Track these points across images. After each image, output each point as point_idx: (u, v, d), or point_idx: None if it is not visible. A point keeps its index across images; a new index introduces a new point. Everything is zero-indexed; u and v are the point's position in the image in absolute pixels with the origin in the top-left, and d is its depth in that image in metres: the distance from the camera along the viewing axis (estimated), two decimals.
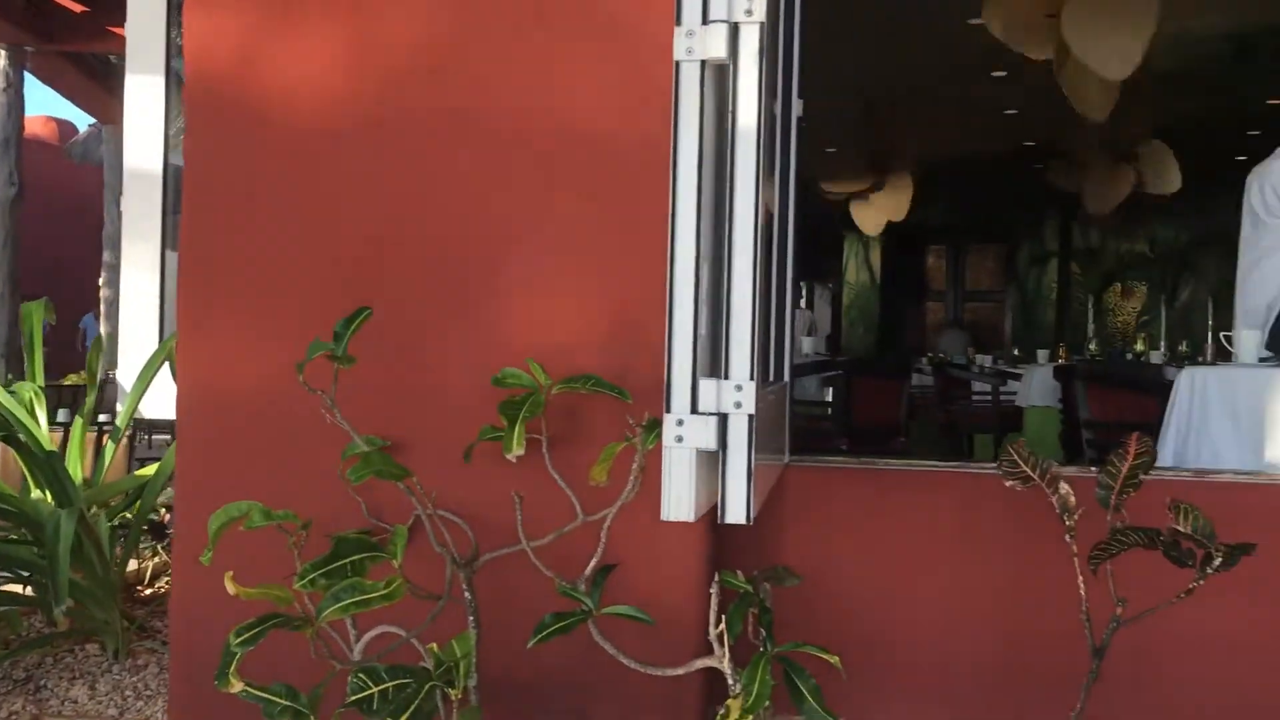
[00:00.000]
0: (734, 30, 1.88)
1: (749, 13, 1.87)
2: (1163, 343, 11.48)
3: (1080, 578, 2.13)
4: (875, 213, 10.60)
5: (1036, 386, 6.33)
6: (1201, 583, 2.04)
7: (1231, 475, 2.90)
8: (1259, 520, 2.74)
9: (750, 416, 1.89)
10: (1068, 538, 2.14)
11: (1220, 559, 2.00)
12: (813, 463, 2.97)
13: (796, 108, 2.91)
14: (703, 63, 1.88)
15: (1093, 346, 9.37)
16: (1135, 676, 2.62)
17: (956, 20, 6.56)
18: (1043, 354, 8.26)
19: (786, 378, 2.89)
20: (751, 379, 1.90)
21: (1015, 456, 2.18)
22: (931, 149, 11.86)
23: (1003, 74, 9.16)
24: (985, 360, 8.95)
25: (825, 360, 5.67)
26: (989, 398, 7.03)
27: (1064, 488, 2.15)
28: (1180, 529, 2.03)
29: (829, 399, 5.26)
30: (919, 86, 11.16)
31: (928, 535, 2.85)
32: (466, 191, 2.54)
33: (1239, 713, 2.70)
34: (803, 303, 11.88)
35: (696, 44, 1.88)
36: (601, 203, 2.49)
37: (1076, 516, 2.13)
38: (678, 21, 1.89)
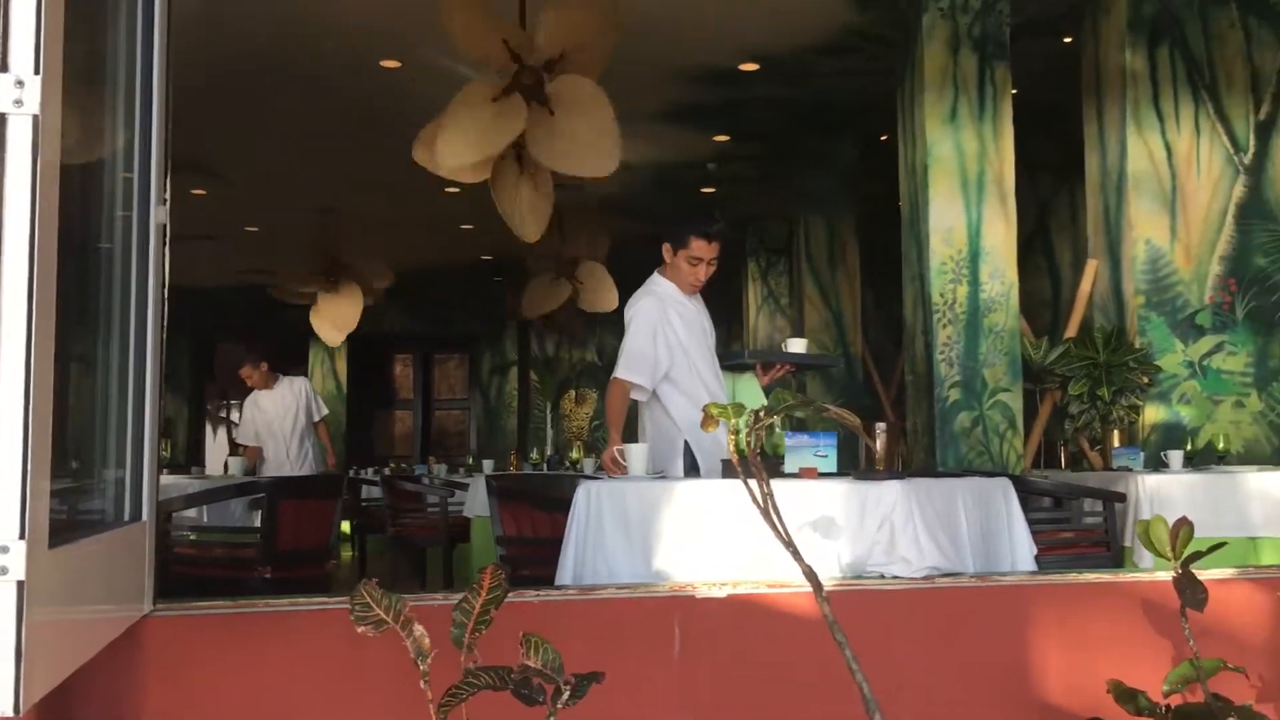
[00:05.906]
0: None
1: (19, 103, 1.58)
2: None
3: None
4: (326, 323, 10.34)
5: (480, 497, 6.35)
6: (554, 719, 1.99)
7: (613, 590, 2.96)
8: (641, 631, 2.82)
9: (20, 583, 1.56)
10: (423, 683, 2.00)
11: (569, 693, 1.96)
12: (181, 611, 2.63)
13: (159, 215, 2.64)
14: None
15: (534, 455, 9.74)
16: None
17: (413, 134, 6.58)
18: (488, 464, 8.41)
19: (145, 516, 2.54)
20: (21, 537, 1.57)
21: (367, 598, 2.01)
22: (393, 259, 11.93)
23: (455, 190, 9.43)
24: (441, 470, 8.94)
25: (248, 482, 5.29)
26: (439, 509, 6.97)
27: (418, 630, 2.01)
28: (530, 664, 1.97)
29: (258, 524, 4.87)
30: (376, 197, 11.23)
31: (310, 684, 2.61)
32: None
33: None
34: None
35: None
36: None
37: (430, 660, 2.00)
38: None
